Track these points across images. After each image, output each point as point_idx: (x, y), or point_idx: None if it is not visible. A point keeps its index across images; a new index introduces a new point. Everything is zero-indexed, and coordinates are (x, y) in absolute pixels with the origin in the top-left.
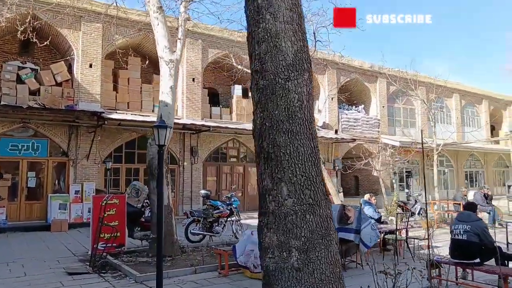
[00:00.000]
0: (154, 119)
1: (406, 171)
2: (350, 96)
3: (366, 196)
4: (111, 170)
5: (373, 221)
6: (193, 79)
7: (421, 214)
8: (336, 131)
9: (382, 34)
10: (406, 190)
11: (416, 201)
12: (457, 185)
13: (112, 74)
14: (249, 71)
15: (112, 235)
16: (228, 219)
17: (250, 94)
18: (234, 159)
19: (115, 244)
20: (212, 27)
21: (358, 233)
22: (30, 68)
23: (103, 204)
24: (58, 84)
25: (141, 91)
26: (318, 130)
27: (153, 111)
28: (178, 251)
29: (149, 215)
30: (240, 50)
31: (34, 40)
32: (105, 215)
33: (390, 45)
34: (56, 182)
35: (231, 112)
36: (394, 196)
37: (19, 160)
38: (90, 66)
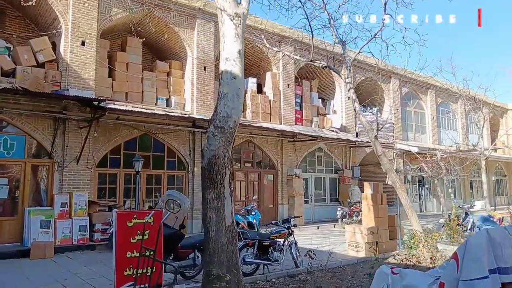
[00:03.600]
0: (160, 112)
1: (418, 180)
2: (362, 97)
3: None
4: (107, 176)
5: None
6: (205, 68)
7: (473, 229)
8: (357, 134)
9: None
10: (455, 200)
11: (467, 213)
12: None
13: (107, 57)
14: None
15: (145, 270)
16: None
17: (264, 89)
18: (249, 165)
19: (147, 285)
20: None
21: None
22: (4, 46)
23: (131, 224)
24: (40, 65)
25: (142, 79)
26: (337, 132)
27: (156, 104)
28: None
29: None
30: (254, 37)
31: None
32: (135, 240)
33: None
34: (36, 191)
35: (244, 110)
36: (453, 207)
37: None
38: (83, 43)
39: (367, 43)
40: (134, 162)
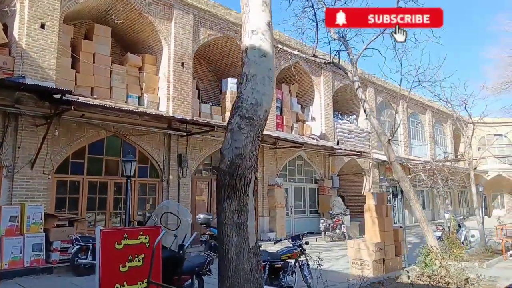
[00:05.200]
0: (134, 110)
1: (391, 191)
2: (339, 104)
3: None
4: (68, 184)
5: None
6: (182, 64)
7: (467, 241)
8: (338, 142)
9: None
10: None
11: (459, 225)
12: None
13: (70, 45)
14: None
15: None
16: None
17: None
18: None
19: None
20: (206, 1)
21: None
22: None
23: (120, 246)
24: None
25: (111, 73)
26: (317, 140)
27: (126, 101)
28: None
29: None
30: (235, 34)
31: None
32: (126, 268)
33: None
34: None
35: (223, 112)
36: (452, 219)
37: None
38: (42, 26)
39: (375, 38)
40: (125, 164)
